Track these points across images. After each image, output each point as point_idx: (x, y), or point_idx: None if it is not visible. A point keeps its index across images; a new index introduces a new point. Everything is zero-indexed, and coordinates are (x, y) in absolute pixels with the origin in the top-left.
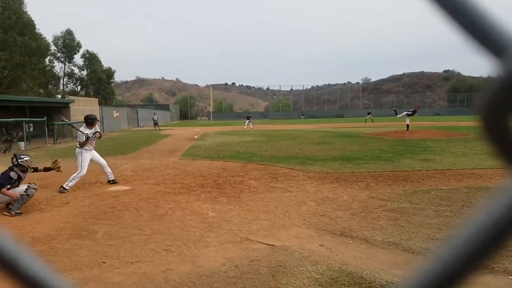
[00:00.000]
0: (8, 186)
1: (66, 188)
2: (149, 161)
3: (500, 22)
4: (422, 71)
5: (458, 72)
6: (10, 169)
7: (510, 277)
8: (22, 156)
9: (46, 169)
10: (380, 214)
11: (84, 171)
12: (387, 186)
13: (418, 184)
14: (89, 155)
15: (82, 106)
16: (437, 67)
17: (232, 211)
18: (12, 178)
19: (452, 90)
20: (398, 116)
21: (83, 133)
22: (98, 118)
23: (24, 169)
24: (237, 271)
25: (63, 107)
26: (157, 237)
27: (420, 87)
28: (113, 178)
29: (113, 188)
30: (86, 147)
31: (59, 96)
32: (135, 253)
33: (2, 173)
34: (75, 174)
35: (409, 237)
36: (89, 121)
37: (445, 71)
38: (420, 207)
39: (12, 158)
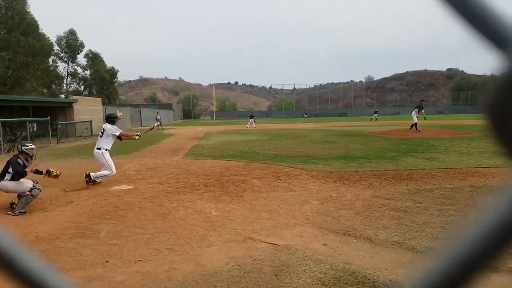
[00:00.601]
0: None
1: (95, 180)
2: (152, 160)
3: (503, 15)
4: (426, 69)
5: (462, 71)
6: (16, 156)
7: None
8: (27, 144)
9: (37, 172)
10: (383, 213)
11: (114, 170)
12: (391, 185)
13: (422, 183)
14: (109, 155)
15: (86, 105)
16: (441, 66)
17: (235, 210)
18: (20, 164)
19: (456, 88)
20: (415, 119)
21: (117, 129)
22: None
23: (28, 157)
24: (240, 270)
25: (66, 107)
26: (160, 236)
27: (424, 86)
28: (94, 178)
29: (116, 187)
30: (109, 147)
31: (63, 96)
32: (138, 252)
33: (9, 163)
34: (106, 172)
35: (413, 236)
36: (111, 119)
37: (449, 70)
38: (424, 206)
39: (18, 146)
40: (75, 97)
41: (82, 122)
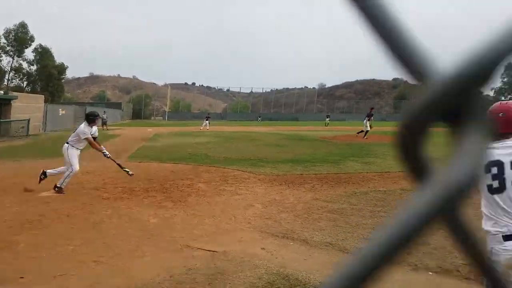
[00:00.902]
0: None
1: (62, 186)
2: (90, 164)
3: (421, 47)
4: (374, 79)
5: (406, 81)
6: None
7: (430, 273)
8: None
9: None
10: (321, 215)
11: (76, 167)
12: (330, 187)
13: (358, 186)
14: (76, 151)
15: (26, 103)
16: (388, 75)
17: (176, 216)
18: None
19: (399, 97)
20: (368, 127)
21: (86, 134)
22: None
23: None
24: (172, 282)
25: (3, 104)
26: (88, 247)
27: (370, 94)
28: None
29: (46, 193)
30: (77, 145)
31: (1, 91)
32: (60, 266)
33: None
34: (66, 173)
35: (345, 237)
36: (91, 118)
37: (394, 79)
38: (358, 208)
39: None
40: (15, 93)
41: (18, 120)
